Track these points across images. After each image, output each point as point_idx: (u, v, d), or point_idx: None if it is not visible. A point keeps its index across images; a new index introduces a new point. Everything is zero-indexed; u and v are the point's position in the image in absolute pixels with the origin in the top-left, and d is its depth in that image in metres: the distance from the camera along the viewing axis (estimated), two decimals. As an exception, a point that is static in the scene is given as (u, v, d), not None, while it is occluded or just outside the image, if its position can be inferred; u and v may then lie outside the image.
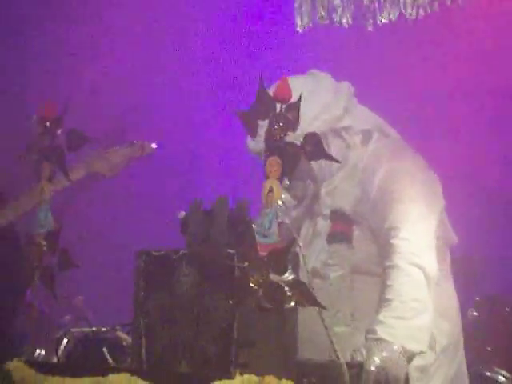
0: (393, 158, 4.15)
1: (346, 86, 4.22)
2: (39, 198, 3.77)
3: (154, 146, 4.95)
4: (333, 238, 4.12)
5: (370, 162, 4.15)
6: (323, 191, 4.15)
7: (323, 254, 4.09)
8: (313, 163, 3.71)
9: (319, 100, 4.12)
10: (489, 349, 4.98)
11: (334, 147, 4.11)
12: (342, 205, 4.11)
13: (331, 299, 3.89)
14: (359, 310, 4.04)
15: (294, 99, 3.31)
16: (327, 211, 4.15)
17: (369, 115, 4.27)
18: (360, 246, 4.10)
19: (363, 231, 4.10)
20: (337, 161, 3.55)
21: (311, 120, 4.01)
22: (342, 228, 4.10)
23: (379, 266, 4.05)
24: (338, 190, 4.15)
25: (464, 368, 4.27)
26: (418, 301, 3.90)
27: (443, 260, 4.12)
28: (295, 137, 3.27)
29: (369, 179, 4.11)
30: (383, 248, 4.03)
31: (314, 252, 4.07)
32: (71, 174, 4.71)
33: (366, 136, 4.21)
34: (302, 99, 3.87)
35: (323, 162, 3.74)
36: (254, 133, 3.34)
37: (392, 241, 3.98)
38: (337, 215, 4.11)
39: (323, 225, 4.16)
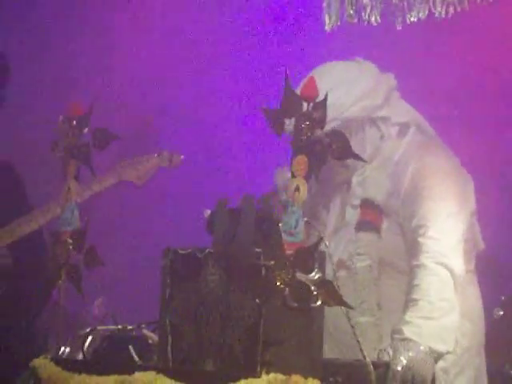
0: (427, 154, 4.14)
1: (388, 77, 4.23)
2: (66, 197, 3.78)
3: (182, 157, 5.01)
4: (361, 226, 4.11)
5: (403, 156, 4.15)
6: (354, 180, 4.15)
7: (351, 245, 4.07)
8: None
9: (360, 86, 4.13)
10: (516, 347, 4.99)
11: (368, 136, 4.14)
12: (373, 195, 4.11)
13: (357, 289, 3.90)
14: (384, 302, 4.04)
15: (320, 97, 3.30)
16: (357, 201, 4.14)
17: (408, 109, 4.27)
18: (387, 239, 4.09)
19: (392, 224, 4.09)
20: (363, 160, 3.55)
21: (350, 105, 4.04)
22: (371, 217, 4.10)
23: (405, 262, 4.06)
24: (369, 180, 4.14)
25: (484, 370, 4.26)
26: (444, 301, 3.89)
27: (469, 263, 4.10)
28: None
29: (401, 173, 4.10)
30: (410, 245, 4.02)
31: (341, 242, 4.06)
32: (103, 182, 4.78)
33: (403, 129, 4.21)
34: (344, 83, 3.92)
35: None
36: (279, 131, 3.34)
37: (420, 239, 3.97)
38: (367, 204, 4.11)
39: (352, 214, 4.14)
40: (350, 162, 3.89)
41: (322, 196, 4.16)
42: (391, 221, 4.08)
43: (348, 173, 4.13)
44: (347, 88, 4.04)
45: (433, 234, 3.96)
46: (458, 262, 3.96)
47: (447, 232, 3.99)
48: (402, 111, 4.22)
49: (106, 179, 4.90)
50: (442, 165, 4.12)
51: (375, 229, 4.08)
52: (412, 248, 4.00)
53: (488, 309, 4.90)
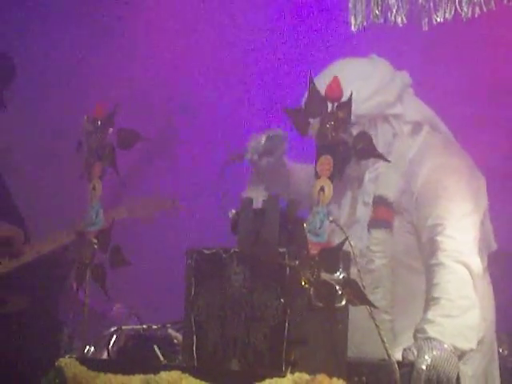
0: (441, 154, 4.14)
1: (402, 75, 4.23)
2: (91, 196, 3.79)
3: (181, 204, 5.27)
4: (374, 224, 4.10)
5: (417, 155, 4.14)
6: (367, 177, 4.14)
7: (361, 242, 4.05)
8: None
9: (374, 82, 4.13)
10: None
11: (380, 133, 4.14)
12: (386, 192, 4.09)
13: (371, 287, 3.89)
14: (398, 300, 4.04)
15: (345, 98, 3.31)
16: (369, 198, 4.13)
17: (422, 108, 4.27)
18: (399, 238, 4.09)
19: (402, 223, 4.09)
20: (387, 160, 3.54)
21: (364, 100, 4.03)
22: (384, 215, 4.09)
23: (417, 261, 4.07)
24: (382, 177, 4.13)
25: (497, 362, 4.27)
26: (465, 298, 3.90)
27: (482, 260, 4.09)
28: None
29: (414, 172, 4.10)
30: (426, 244, 4.03)
31: (352, 239, 4.02)
32: (115, 214, 4.82)
33: (416, 128, 4.20)
34: (357, 80, 3.92)
35: None
36: (304, 131, 3.34)
37: (436, 238, 3.97)
38: (380, 202, 4.09)
39: (364, 211, 4.14)
40: None
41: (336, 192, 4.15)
42: (402, 219, 4.08)
43: (360, 169, 4.12)
44: (360, 84, 4.02)
45: (450, 232, 3.96)
46: (476, 259, 3.97)
47: (464, 230, 3.99)
48: (415, 109, 4.22)
49: (117, 212, 4.96)
50: (457, 165, 4.12)
51: (389, 227, 4.07)
52: (429, 247, 4.00)
53: (502, 304, 4.94)
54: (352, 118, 3.67)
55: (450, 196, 4.03)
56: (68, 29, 6.64)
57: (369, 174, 4.16)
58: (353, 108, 3.49)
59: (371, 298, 3.35)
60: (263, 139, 4.21)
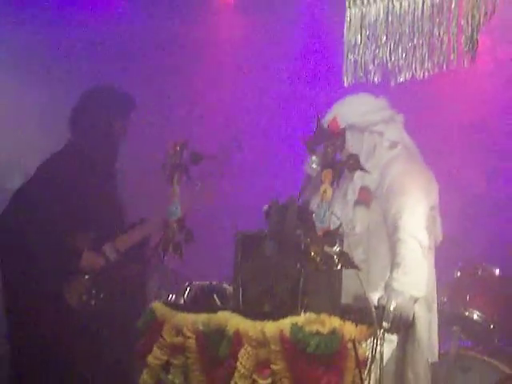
0: (404, 163, 4.04)
1: (398, 115, 4.17)
2: (173, 196, 3.81)
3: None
4: (358, 202, 3.99)
5: (389, 161, 4.04)
6: (356, 175, 3.99)
7: (348, 215, 3.96)
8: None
9: (370, 107, 4.08)
10: (467, 297, 4.94)
11: (366, 141, 4.06)
12: (368, 183, 3.98)
13: (355, 246, 3.81)
14: (371, 259, 3.96)
15: (341, 131, 3.33)
16: (357, 188, 4.02)
17: (403, 136, 4.16)
18: (374, 214, 3.99)
19: (376, 206, 3.98)
20: (367, 171, 3.53)
21: (358, 115, 3.99)
22: (365, 196, 3.98)
23: (382, 232, 3.97)
24: (365, 174, 3.97)
25: (435, 319, 4.09)
26: (417, 262, 3.83)
27: (429, 238, 3.98)
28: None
29: (386, 173, 4.00)
30: (390, 226, 3.93)
31: (343, 215, 3.93)
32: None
33: (393, 145, 4.10)
34: (357, 102, 3.97)
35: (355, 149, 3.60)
36: (312, 152, 3.36)
37: (397, 221, 3.89)
38: (363, 189, 3.99)
39: (351, 196, 4.03)
40: None
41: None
42: (377, 203, 3.98)
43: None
44: (359, 104, 4.00)
45: (406, 218, 3.88)
46: (424, 236, 3.88)
47: (415, 216, 3.89)
48: (395, 133, 4.13)
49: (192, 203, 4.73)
50: (414, 171, 4.02)
51: (367, 205, 3.98)
52: (392, 228, 3.92)
53: (450, 271, 4.92)
54: (345, 124, 3.66)
55: (407, 192, 3.93)
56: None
57: (357, 173, 4.07)
58: (347, 117, 3.48)
59: (354, 252, 3.38)
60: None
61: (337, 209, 3.69)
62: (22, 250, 4.47)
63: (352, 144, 3.94)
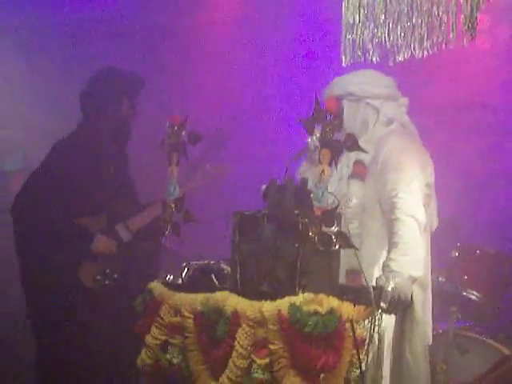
0: (400, 140, 4.04)
1: (400, 95, 4.15)
2: (170, 176, 3.81)
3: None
4: (352, 176, 4.00)
5: (384, 137, 4.03)
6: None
7: (343, 190, 3.97)
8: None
9: (369, 78, 4.06)
10: (465, 277, 4.96)
11: (361, 114, 4.06)
12: (362, 157, 3.96)
13: (350, 219, 3.78)
14: (364, 234, 3.95)
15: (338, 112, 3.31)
16: (350, 163, 4.01)
17: (401, 115, 4.15)
18: (368, 188, 3.98)
19: (370, 180, 3.98)
20: (365, 151, 3.48)
21: (354, 83, 3.99)
22: (359, 170, 3.98)
23: (375, 206, 3.96)
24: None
25: (429, 296, 4.10)
26: (414, 241, 3.83)
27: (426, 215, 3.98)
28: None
29: (380, 148, 3.99)
30: (386, 205, 3.91)
31: (338, 190, 3.93)
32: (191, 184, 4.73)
33: (389, 121, 4.09)
34: (360, 73, 3.91)
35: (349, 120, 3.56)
36: (311, 132, 3.35)
37: (393, 199, 3.88)
38: (358, 163, 3.99)
39: (346, 171, 4.02)
40: None
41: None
42: (371, 178, 3.97)
43: None
44: (361, 75, 3.97)
45: (402, 195, 3.86)
46: (421, 213, 3.87)
47: (412, 193, 3.88)
48: (393, 111, 4.11)
49: (191, 184, 4.88)
50: (408, 147, 4.01)
51: (362, 179, 3.98)
52: (388, 206, 3.90)
53: (447, 252, 4.92)
54: (343, 91, 3.59)
55: (402, 168, 3.92)
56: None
57: None
58: (346, 84, 3.41)
59: (350, 226, 3.36)
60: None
61: (332, 183, 3.69)
62: (37, 234, 4.54)
63: (347, 112, 3.88)
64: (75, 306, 4.53)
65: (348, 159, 4.03)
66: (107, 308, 4.57)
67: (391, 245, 3.85)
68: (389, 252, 3.85)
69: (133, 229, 4.75)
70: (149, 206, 4.85)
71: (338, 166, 3.99)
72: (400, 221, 3.85)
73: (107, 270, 4.64)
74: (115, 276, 4.66)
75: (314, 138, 3.38)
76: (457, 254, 4.99)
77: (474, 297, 4.93)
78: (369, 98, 4.06)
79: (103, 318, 4.55)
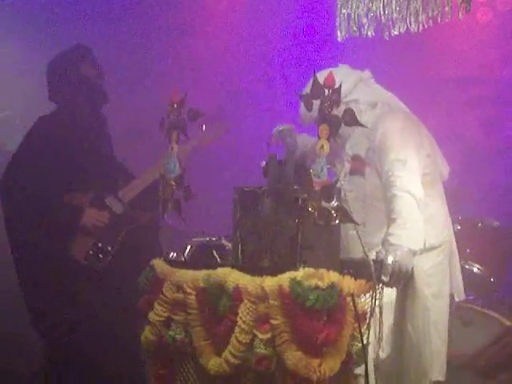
0: (387, 120, 4.05)
1: (358, 72, 4.14)
2: (170, 153, 3.81)
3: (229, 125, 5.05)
4: (352, 172, 4.06)
5: (374, 123, 4.04)
6: (347, 145, 4.08)
7: (345, 186, 3.98)
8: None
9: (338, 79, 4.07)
10: (468, 250, 4.97)
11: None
12: (358, 152, 4.03)
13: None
14: (368, 221, 3.96)
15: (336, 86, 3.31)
16: (349, 158, 4.08)
17: (378, 91, 4.16)
18: (369, 180, 4.03)
19: (372, 170, 4.03)
20: (365, 126, 3.49)
21: None
22: (358, 166, 4.04)
23: (381, 195, 3.99)
24: (355, 142, 4.06)
25: (456, 262, 4.19)
26: (412, 215, 3.84)
27: (431, 188, 4.03)
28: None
29: (373, 135, 4.01)
30: (385, 183, 3.96)
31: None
32: (187, 148, 4.70)
33: (372, 105, 4.10)
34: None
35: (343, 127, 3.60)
36: (310, 108, 3.36)
37: (390, 178, 3.91)
38: (355, 158, 4.04)
39: (346, 166, 4.09)
40: (341, 133, 3.63)
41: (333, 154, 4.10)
42: (371, 168, 4.02)
43: (343, 138, 4.04)
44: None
45: (398, 173, 3.89)
46: (418, 189, 3.89)
47: (408, 170, 3.91)
48: (370, 93, 4.12)
49: (189, 146, 4.81)
50: (400, 126, 4.02)
51: (361, 174, 4.04)
52: (386, 184, 3.94)
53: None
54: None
55: (395, 149, 3.94)
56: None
57: (348, 142, 4.10)
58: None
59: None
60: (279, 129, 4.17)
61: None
62: (24, 214, 4.51)
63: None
64: (71, 286, 4.50)
65: (347, 155, 4.09)
66: (106, 285, 4.54)
67: (390, 221, 3.87)
68: (388, 227, 3.86)
69: (124, 199, 4.69)
70: (141, 175, 4.81)
71: (339, 162, 4.05)
72: (397, 197, 3.87)
73: (99, 244, 4.60)
74: (109, 249, 4.61)
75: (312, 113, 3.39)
76: (458, 227, 5.00)
77: (476, 269, 4.95)
78: (345, 97, 3.98)
79: (103, 296, 4.52)
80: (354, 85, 4.11)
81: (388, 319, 3.60)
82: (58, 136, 4.62)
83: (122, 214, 4.68)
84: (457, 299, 4.09)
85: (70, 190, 4.58)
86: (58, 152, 4.56)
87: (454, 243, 4.21)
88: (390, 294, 3.61)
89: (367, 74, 4.19)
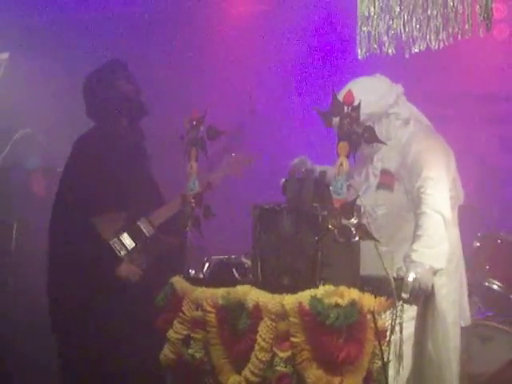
0: (423, 139, 4.09)
1: (398, 86, 4.17)
2: (190, 171, 3.82)
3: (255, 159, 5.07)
4: (380, 186, 4.07)
5: (407, 140, 4.09)
6: (375, 158, 4.11)
7: (371, 200, 4.03)
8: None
9: (379, 92, 4.08)
10: (487, 267, 4.95)
11: (384, 125, 4.07)
12: (388, 166, 4.06)
13: (377, 229, 3.76)
14: (394, 237, 3.99)
15: (355, 103, 3.32)
16: (377, 171, 4.09)
17: (410, 108, 4.20)
18: (397, 196, 4.05)
19: (400, 186, 4.04)
20: (384, 143, 3.58)
21: (373, 103, 3.98)
22: (387, 180, 4.05)
23: (408, 213, 4.00)
24: (385, 156, 4.08)
25: (464, 282, 4.21)
26: (438, 234, 3.86)
27: (453, 212, 4.05)
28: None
29: (406, 152, 4.05)
30: (415, 200, 3.97)
31: (365, 199, 3.99)
32: (214, 176, 4.71)
33: (406, 121, 4.14)
34: (368, 91, 3.85)
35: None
36: (329, 124, 3.36)
37: (421, 195, 3.93)
38: (384, 172, 4.07)
39: (374, 179, 4.11)
40: (374, 144, 3.73)
41: (356, 167, 4.14)
42: (400, 183, 4.05)
43: (371, 152, 4.09)
44: (369, 93, 3.94)
45: (429, 191, 3.92)
46: (447, 209, 3.93)
47: (438, 190, 3.94)
48: (405, 109, 4.15)
49: (218, 173, 4.83)
50: (432, 145, 4.07)
51: (390, 189, 4.06)
52: (416, 202, 3.95)
53: (469, 242, 4.90)
54: (365, 116, 3.65)
55: (429, 167, 3.97)
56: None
57: (377, 155, 4.14)
58: (365, 109, 3.51)
59: (375, 236, 3.33)
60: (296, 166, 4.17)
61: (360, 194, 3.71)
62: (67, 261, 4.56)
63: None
64: (96, 306, 4.50)
65: (374, 168, 4.11)
66: (130, 305, 4.56)
67: (415, 237, 3.88)
68: (412, 244, 3.87)
69: (155, 223, 4.75)
70: (173, 200, 4.81)
71: (363, 175, 4.07)
72: (426, 214, 3.89)
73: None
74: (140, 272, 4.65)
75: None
76: (478, 244, 4.98)
77: (496, 286, 4.92)
78: (388, 109, 4.09)
79: (126, 315, 4.54)
80: (396, 98, 4.14)
81: (409, 337, 3.59)
82: (101, 158, 4.63)
83: (152, 236, 4.72)
84: (463, 325, 4.08)
85: (106, 210, 4.61)
86: (101, 173, 4.59)
87: (464, 273, 4.21)
88: (410, 312, 3.60)
89: (401, 88, 4.21)
